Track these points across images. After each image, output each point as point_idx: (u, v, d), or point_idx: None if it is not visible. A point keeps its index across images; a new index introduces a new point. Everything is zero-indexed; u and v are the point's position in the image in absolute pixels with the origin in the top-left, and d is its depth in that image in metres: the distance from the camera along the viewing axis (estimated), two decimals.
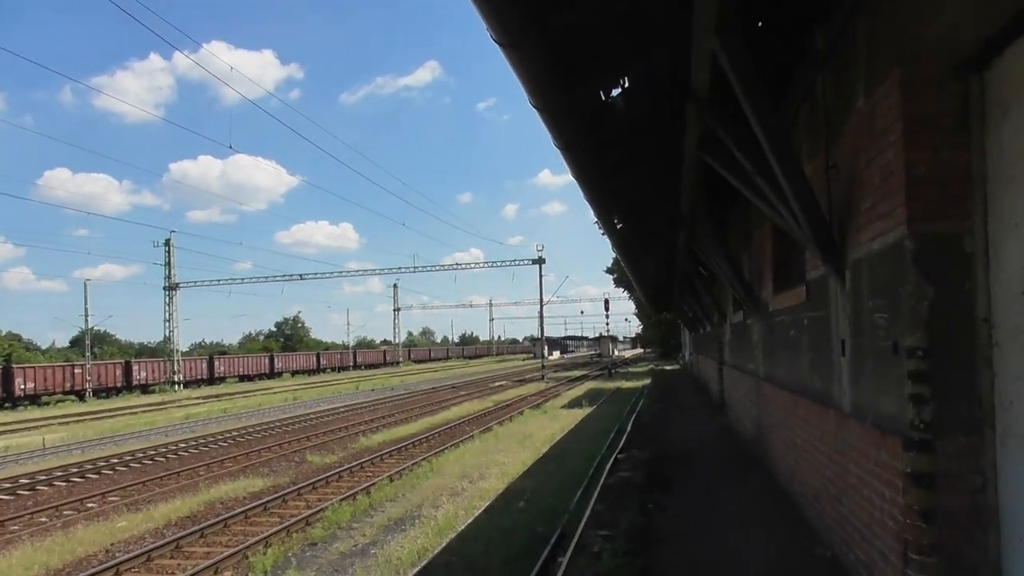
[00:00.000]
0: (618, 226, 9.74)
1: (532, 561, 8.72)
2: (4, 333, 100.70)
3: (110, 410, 41.47)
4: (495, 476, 15.46)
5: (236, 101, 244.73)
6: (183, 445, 23.81)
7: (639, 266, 15.65)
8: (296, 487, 15.60)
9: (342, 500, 13.88)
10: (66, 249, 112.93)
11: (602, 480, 9.50)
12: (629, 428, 15.50)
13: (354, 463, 18.32)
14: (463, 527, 11.42)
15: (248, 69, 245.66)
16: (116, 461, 20.93)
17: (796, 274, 7.47)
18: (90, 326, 61.18)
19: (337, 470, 17.38)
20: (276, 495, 14.85)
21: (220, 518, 13.06)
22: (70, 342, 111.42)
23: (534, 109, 4.95)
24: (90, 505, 15.56)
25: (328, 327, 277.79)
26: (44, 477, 18.85)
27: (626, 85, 5.50)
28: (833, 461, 5.59)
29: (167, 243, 59.71)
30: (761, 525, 7.21)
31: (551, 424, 24.34)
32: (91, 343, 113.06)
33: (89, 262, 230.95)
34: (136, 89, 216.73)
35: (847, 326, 5.10)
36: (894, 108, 3.88)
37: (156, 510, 14.37)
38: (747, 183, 5.70)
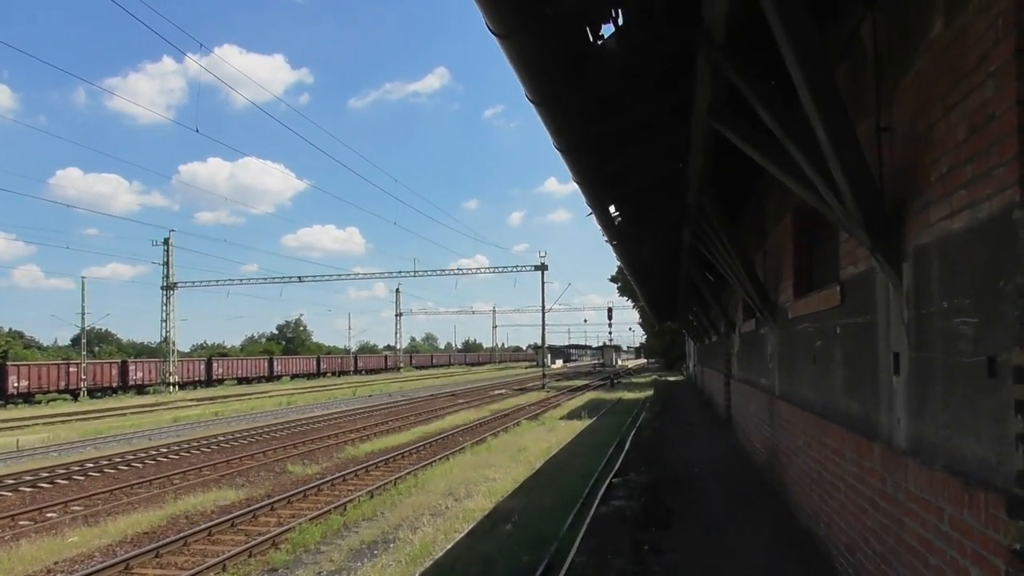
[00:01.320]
0: (616, 220, 8.56)
1: None
2: (6, 330, 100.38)
3: (100, 410, 40.53)
4: (483, 494, 14.31)
5: (236, 99, 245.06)
6: (164, 450, 22.80)
7: (641, 269, 14.26)
8: (271, 501, 14.53)
9: (314, 519, 12.76)
10: (75, 248, 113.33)
11: (592, 510, 8.29)
12: (628, 446, 14.28)
13: (337, 475, 17.24)
14: (440, 554, 10.27)
15: (259, 73, 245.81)
16: (91, 466, 19.94)
17: (825, 273, 6.34)
18: (86, 324, 60.37)
19: (318, 482, 16.29)
20: (247, 509, 13.77)
21: (181, 535, 11.99)
22: (72, 340, 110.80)
23: (495, 37, 3.82)
24: (49, 515, 14.49)
25: (331, 331, 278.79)
26: (12, 482, 17.85)
27: (620, 22, 4.36)
28: (877, 509, 4.41)
29: (166, 242, 58.85)
30: None
31: (548, 437, 23.18)
32: (92, 342, 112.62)
33: (98, 261, 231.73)
34: (148, 91, 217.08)
35: (904, 335, 3.93)
36: (1001, 20, 2.72)
37: (116, 523, 13.29)
38: (772, 154, 4.55)
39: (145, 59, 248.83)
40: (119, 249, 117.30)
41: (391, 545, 10.90)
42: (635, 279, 15.35)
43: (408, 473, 17.06)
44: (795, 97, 3.74)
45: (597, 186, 6.47)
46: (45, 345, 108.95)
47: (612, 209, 7.94)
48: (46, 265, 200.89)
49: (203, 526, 12.61)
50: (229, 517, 13.13)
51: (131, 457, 21.42)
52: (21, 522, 13.98)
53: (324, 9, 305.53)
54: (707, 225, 7.94)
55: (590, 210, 7.29)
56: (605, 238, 8.94)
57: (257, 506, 14.07)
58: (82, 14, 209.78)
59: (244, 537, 12.15)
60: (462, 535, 11.19)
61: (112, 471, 19.56)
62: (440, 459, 19.25)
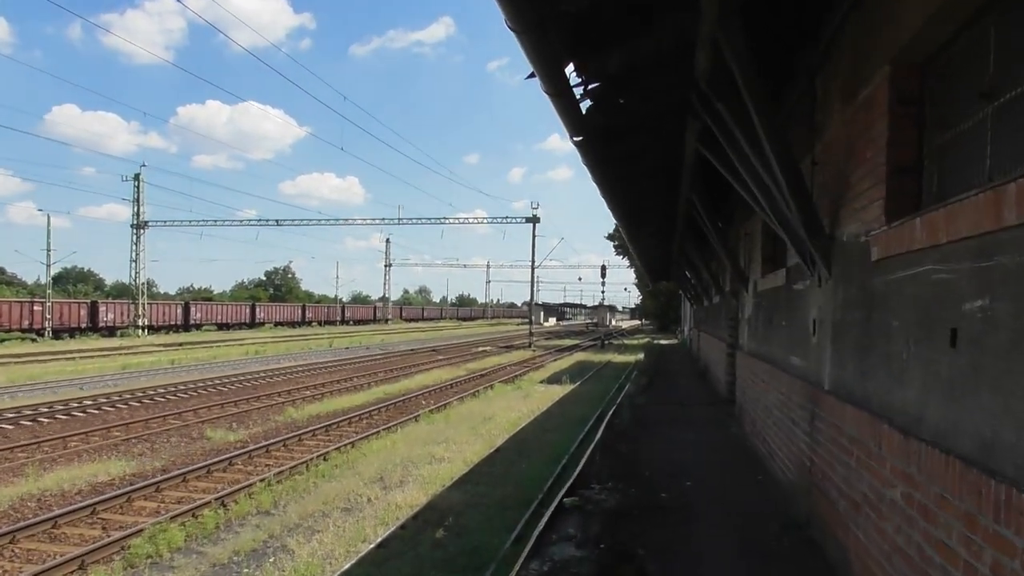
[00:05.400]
0: (581, 98, 5.39)
1: None
2: None
3: (54, 353, 37.79)
4: (419, 481, 11.48)
5: (237, 40, 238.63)
6: (88, 403, 20.07)
7: (621, 195, 10.53)
8: (162, 478, 11.77)
9: (192, 511, 9.92)
10: (72, 187, 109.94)
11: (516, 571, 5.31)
12: (599, 436, 11.26)
13: (261, 444, 14.48)
14: None
15: (261, 16, 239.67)
16: None
17: (974, 168, 3.26)
18: (64, 263, 57.39)
19: (232, 454, 13.50)
20: (124, 490, 11.04)
21: (13, 528, 9.17)
22: (53, 278, 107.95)
23: None
24: None
25: (323, 280, 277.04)
26: None
27: None
28: None
29: (136, 178, 55.34)
30: None
31: (520, 404, 20.34)
32: (71, 281, 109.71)
33: (94, 201, 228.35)
34: (147, 30, 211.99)
35: None
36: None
37: None
38: None
39: None
40: (115, 189, 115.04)
41: (267, 560, 8.03)
42: (616, 210, 11.79)
43: (343, 446, 14.22)
44: None
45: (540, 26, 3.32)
46: (28, 282, 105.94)
47: (571, 72, 4.80)
48: (42, 203, 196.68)
49: (54, 513, 9.87)
50: (95, 501, 10.37)
51: (44, 410, 18.65)
52: None
53: None
54: (727, 108, 4.79)
55: (531, 69, 4.21)
56: (569, 133, 5.80)
57: (141, 484, 11.32)
58: None
59: (98, 532, 9.38)
60: (370, 547, 8.34)
61: (9, 427, 16.83)
62: (388, 428, 16.42)
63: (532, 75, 4.45)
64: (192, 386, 23.99)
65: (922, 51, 3.83)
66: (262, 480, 11.31)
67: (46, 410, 18.70)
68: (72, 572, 7.98)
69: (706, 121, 5.63)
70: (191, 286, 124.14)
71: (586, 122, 5.66)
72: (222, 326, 70.93)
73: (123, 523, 9.68)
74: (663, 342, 51.26)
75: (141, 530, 8.79)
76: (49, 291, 55.66)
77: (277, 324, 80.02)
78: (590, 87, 5.30)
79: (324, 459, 13.23)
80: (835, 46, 5.27)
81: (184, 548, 8.53)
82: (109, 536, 8.97)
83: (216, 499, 10.45)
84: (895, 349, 3.87)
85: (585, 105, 5.48)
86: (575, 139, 5.93)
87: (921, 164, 3.99)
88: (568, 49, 4.48)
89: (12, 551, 8.70)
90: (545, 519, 6.28)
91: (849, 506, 4.52)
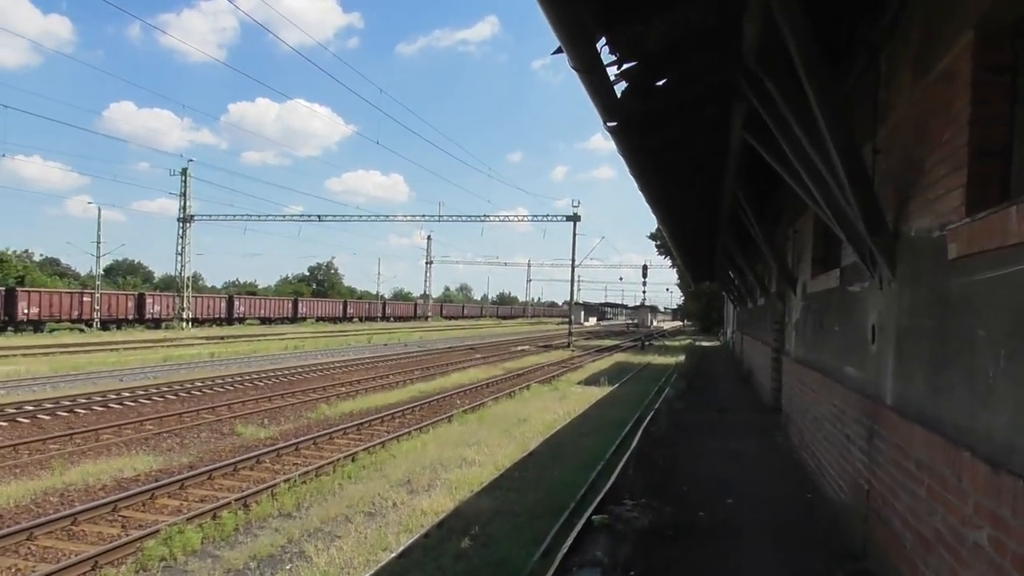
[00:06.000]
0: (614, 77, 4.88)
1: None
2: (40, 257, 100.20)
3: (100, 343, 38.52)
4: (448, 486, 11.08)
5: (287, 38, 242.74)
6: (126, 394, 20.13)
7: (659, 187, 9.70)
8: (187, 475, 11.56)
9: (211, 511, 9.65)
10: (127, 181, 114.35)
11: None
12: (634, 444, 10.71)
13: (291, 441, 14.25)
14: None
15: (310, 15, 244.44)
16: (30, 409, 17.37)
17: None
18: (118, 256, 58.62)
19: (261, 451, 13.26)
20: (150, 486, 10.84)
21: (32, 524, 9.00)
22: (104, 270, 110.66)
23: None
24: None
25: (366, 276, 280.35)
26: None
27: None
28: None
29: (183, 172, 56.15)
30: None
31: (557, 406, 19.84)
32: (122, 273, 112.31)
33: (147, 195, 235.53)
34: (201, 29, 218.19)
35: None
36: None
37: None
38: None
39: None
40: (168, 184, 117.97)
41: (283, 567, 7.68)
42: (654, 205, 11.09)
43: (372, 447, 13.89)
44: None
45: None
46: (80, 273, 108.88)
47: (604, 48, 4.28)
48: (98, 196, 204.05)
49: (75, 509, 9.69)
50: (116, 498, 10.18)
51: (82, 401, 18.79)
52: None
53: None
54: (778, 88, 4.27)
55: (558, 44, 3.74)
56: (601, 119, 5.31)
57: (165, 481, 11.12)
58: None
59: (116, 531, 9.15)
60: (391, 556, 7.94)
61: (46, 417, 16.91)
62: (420, 429, 16.05)
63: (559, 50, 3.97)
64: (229, 380, 24.01)
65: (1015, 9, 3.24)
66: (287, 480, 11.01)
67: (84, 401, 18.82)
68: (85, 573, 7.75)
69: (753, 104, 5.08)
70: (236, 280, 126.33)
71: (621, 106, 5.14)
72: (265, 320, 71.85)
73: (143, 522, 9.45)
74: (705, 344, 50.24)
75: (158, 531, 8.52)
76: (98, 283, 56.87)
77: (319, 319, 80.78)
78: (625, 67, 4.79)
79: (352, 460, 12.91)
80: (905, 10, 4.65)
81: (200, 551, 8.25)
82: (127, 535, 8.74)
83: (238, 499, 10.18)
84: (979, 363, 3.29)
85: (620, 88, 4.98)
86: (608, 125, 5.41)
87: (1010, 145, 3.40)
88: (600, 21, 3.98)
89: (28, 548, 8.52)
90: (569, 541, 5.80)
91: (917, 542, 3.93)
